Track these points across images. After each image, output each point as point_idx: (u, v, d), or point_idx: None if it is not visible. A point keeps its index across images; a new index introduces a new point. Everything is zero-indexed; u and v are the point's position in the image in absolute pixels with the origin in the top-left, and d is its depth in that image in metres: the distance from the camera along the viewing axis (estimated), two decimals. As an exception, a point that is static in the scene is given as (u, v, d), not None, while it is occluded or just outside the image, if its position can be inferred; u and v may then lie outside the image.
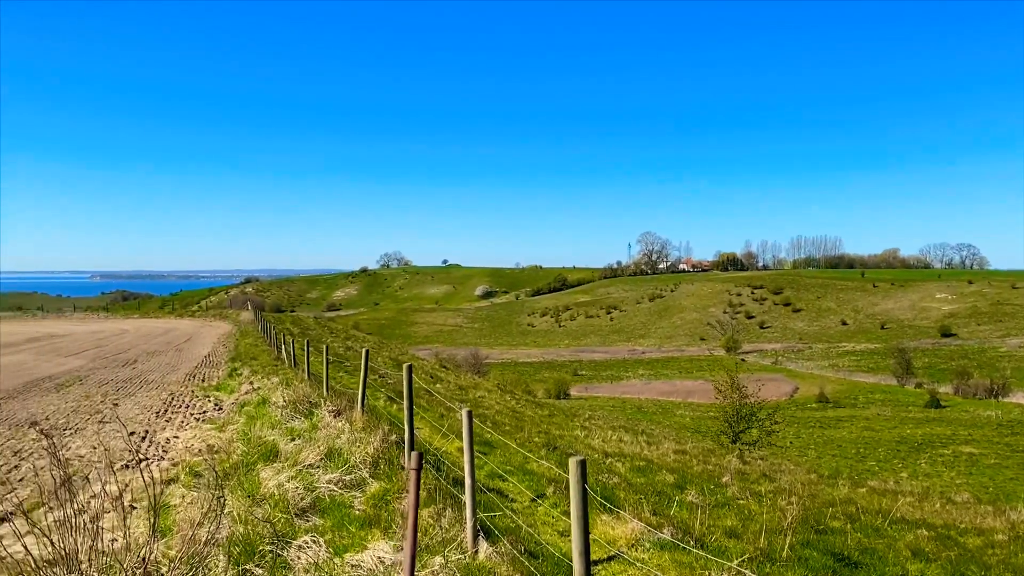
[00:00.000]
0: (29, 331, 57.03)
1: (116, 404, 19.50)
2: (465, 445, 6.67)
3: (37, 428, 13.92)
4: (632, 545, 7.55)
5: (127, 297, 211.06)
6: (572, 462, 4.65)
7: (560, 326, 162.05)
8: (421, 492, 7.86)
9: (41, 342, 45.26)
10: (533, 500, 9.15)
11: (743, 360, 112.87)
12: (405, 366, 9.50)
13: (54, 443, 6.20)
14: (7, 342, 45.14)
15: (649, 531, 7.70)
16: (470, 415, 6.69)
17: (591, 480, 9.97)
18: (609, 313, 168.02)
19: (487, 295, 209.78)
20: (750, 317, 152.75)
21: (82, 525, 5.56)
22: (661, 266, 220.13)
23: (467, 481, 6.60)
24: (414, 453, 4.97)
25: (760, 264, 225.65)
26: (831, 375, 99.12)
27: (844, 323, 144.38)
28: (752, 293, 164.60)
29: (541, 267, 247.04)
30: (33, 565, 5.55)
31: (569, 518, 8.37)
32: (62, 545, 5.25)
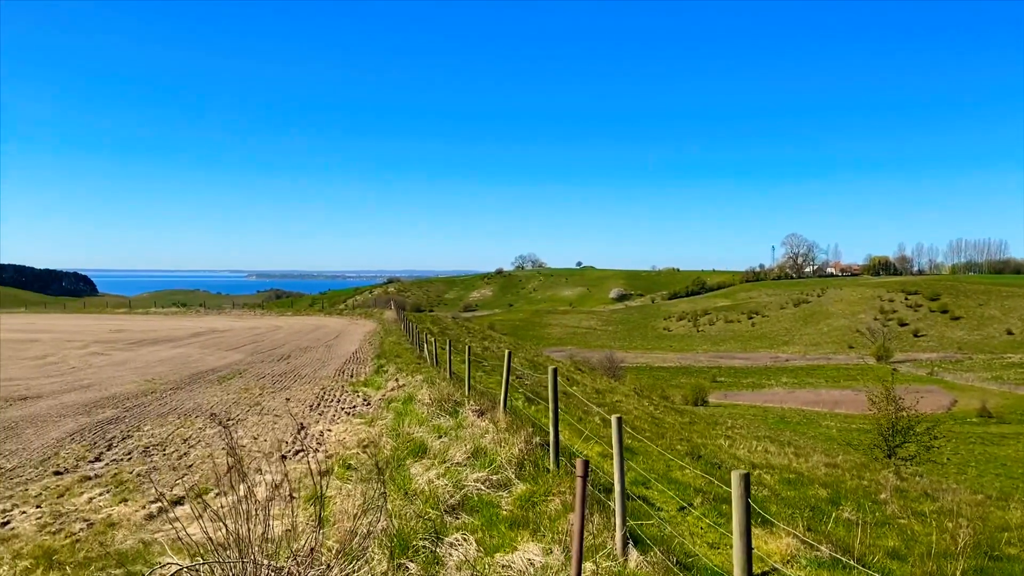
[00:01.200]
0: (193, 326, 61.32)
1: (273, 397, 20.63)
2: (615, 452, 6.61)
3: (216, 420, 14.83)
4: (787, 561, 7.25)
5: (280, 295, 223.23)
6: (735, 475, 4.50)
7: (698, 331, 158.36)
8: (567, 496, 7.87)
9: (204, 337, 48.54)
10: (680, 510, 8.96)
11: (895, 370, 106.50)
12: (550, 369, 9.53)
13: (231, 434, 6.56)
14: (174, 336, 48.73)
15: (805, 547, 7.37)
16: (619, 421, 6.62)
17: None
18: (750, 318, 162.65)
19: (622, 298, 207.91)
20: (903, 324, 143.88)
21: (252, 512, 5.84)
22: (807, 270, 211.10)
23: (616, 488, 6.54)
24: (579, 460, 4.96)
25: (915, 269, 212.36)
26: (994, 388, 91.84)
27: (1010, 332, 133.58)
28: (906, 299, 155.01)
29: (678, 270, 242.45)
30: (210, 547, 5.91)
31: (720, 530, 8.16)
32: (235, 529, 5.55)
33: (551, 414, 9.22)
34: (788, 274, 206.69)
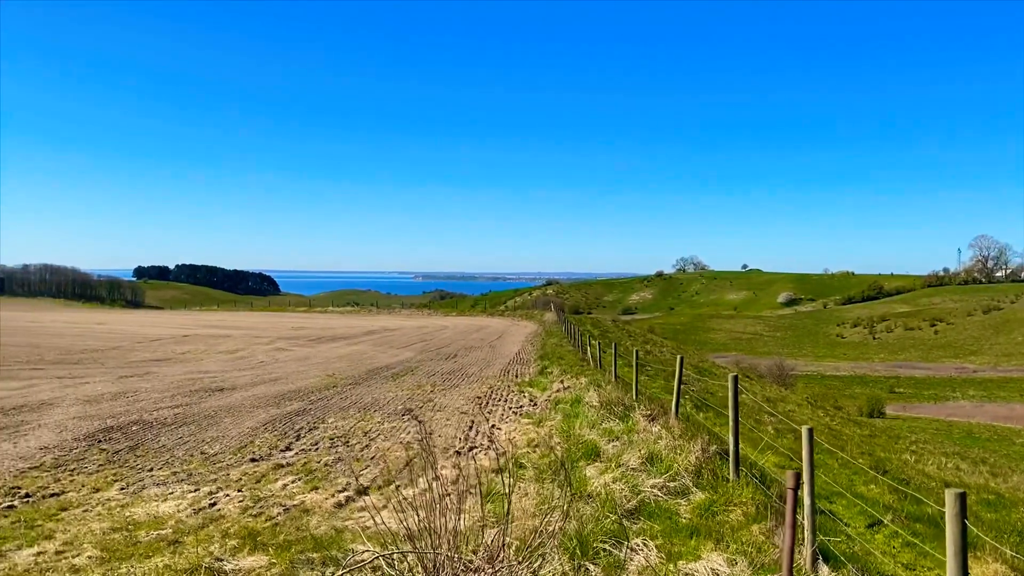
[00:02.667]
0: (366, 324, 64.47)
1: (443, 394, 21.33)
2: (804, 463, 6.34)
3: (411, 416, 15.47)
4: (996, 590, 6.69)
5: (444, 296, 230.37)
6: (949, 494, 4.21)
7: (874, 338, 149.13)
8: (748, 507, 7.62)
9: (376, 335, 50.92)
10: (869, 526, 8.48)
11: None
12: (731, 376, 9.29)
13: (424, 428, 6.82)
14: (349, 334, 51.42)
15: (1016, 575, 6.77)
16: (811, 433, 6.35)
17: (932, 511, 9.02)
18: (933, 326, 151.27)
19: (791, 302, 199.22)
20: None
21: (444, 504, 6.03)
22: (998, 274, 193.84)
23: (806, 501, 6.27)
24: (789, 472, 4.81)
25: None
26: None
27: None
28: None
29: (853, 273, 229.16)
30: (400, 536, 6.17)
31: (915, 550, 7.65)
32: (428, 520, 5.76)
33: (731, 422, 8.97)
34: (976, 279, 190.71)
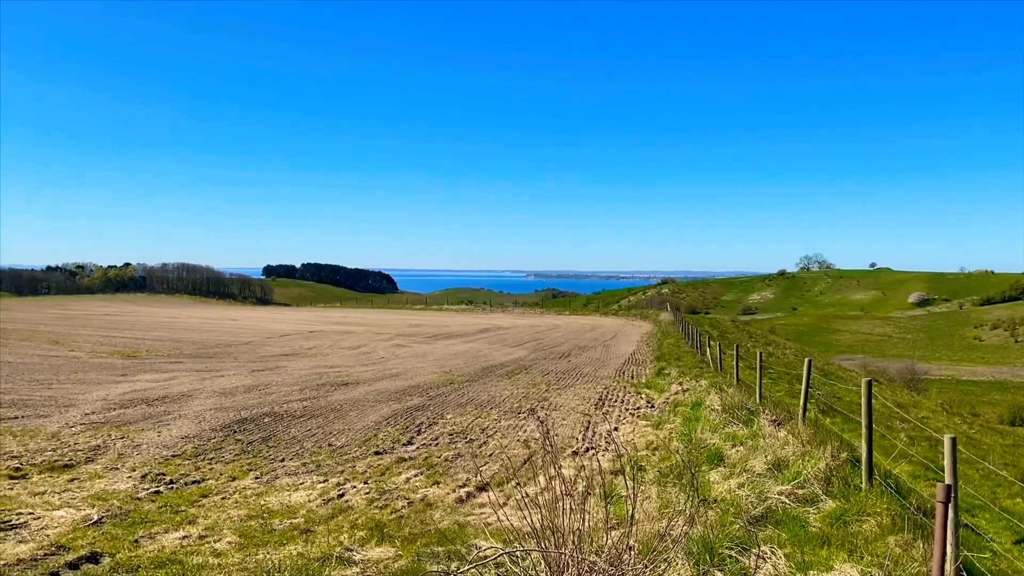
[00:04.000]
0: (480, 322, 65.36)
1: (558, 394, 21.36)
2: (947, 474, 6.00)
3: (535, 417, 15.62)
4: None
5: (556, 294, 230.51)
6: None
7: (1016, 341, 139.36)
8: (883, 517, 7.28)
9: (490, 333, 51.53)
10: (1017, 543, 7.95)
11: None
12: (864, 381, 8.89)
13: (547, 430, 6.86)
14: (464, 331, 52.26)
15: None
16: (954, 442, 6.00)
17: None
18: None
19: (923, 303, 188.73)
20: None
21: (565, 503, 6.03)
22: None
23: (950, 514, 5.91)
24: (940, 485, 4.58)
25: None
26: None
27: None
28: None
29: (992, 272, 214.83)
30: (523, 533, 6.22)
31: (1072, 573, 7.11)
32: (551, 519, 5.78)
33: (864, 428, 8.59)
34: None
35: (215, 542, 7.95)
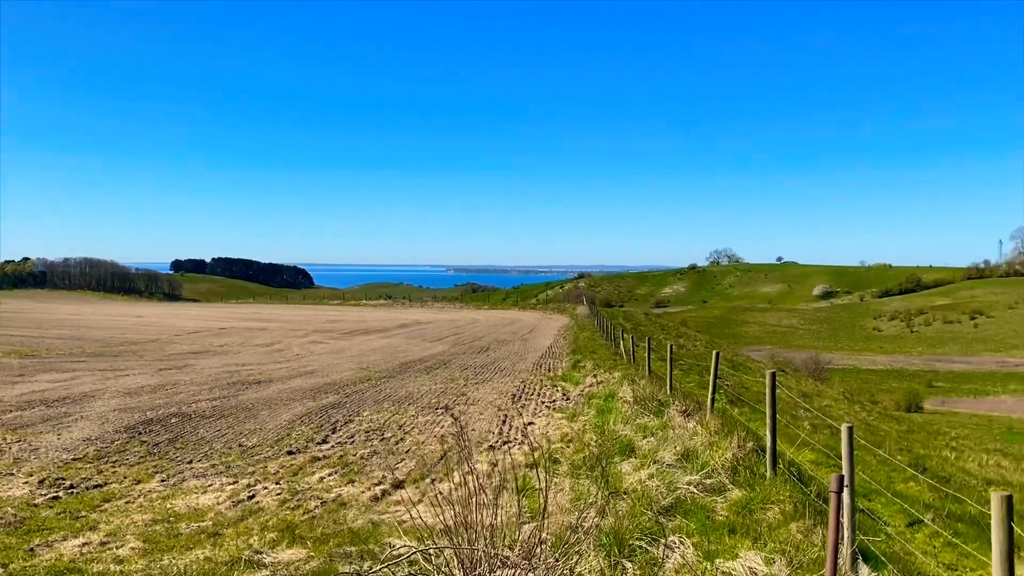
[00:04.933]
0: (399, 317, 64.88)
1: (476, 388, 21.40)
2: (844, 462, 6.27)
3: (448, 412, 15.55)
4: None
5: (475, 289, 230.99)
6: (995, 497, 4.14)
7: (912, 331, 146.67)
8: (786, 505, 7.56)
9: (409, 328, 51.21)
10: (909, 525, 8.36)
11: None
12: (768, 373, 9.21)
13: (462, 427, 6.84)
14: (382, 327, 51.79)
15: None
16: (850, 431, 6.28)
17: (974, 510, 8.87)
18: (973, 319, 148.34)
19: (826, 295, 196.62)
20: None
21: (478, 499, 6.04)
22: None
23: (846, 500, 6.19)
24: (834, 475, 4.75)
25: None
26: None
27: None
28: None
29: (890, 266, 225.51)
30: (436, 531, 6.20)
31: (957, 551, 7.53)
32: (464, 515, 5.79)
33: (768, 419, 8.90)
34: (1018, 271, 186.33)
35: (117, 548, 7.66)
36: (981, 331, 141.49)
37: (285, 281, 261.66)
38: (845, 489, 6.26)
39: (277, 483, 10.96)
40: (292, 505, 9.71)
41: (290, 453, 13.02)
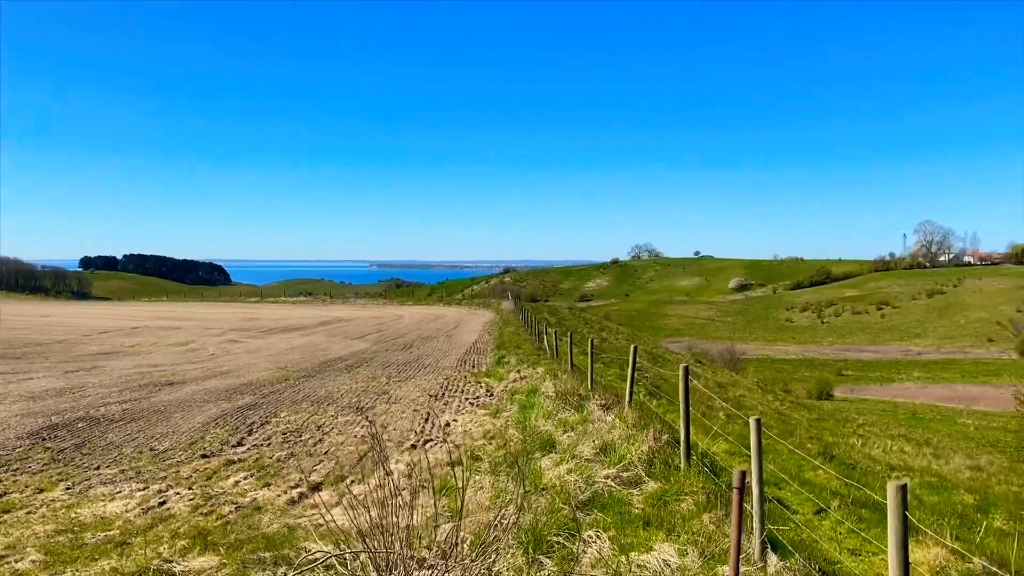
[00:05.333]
0: (320, 315, 63.78)
1: (399, 386, 21.22)
2: (753, 454, 6.45)
3: (360, 412, 15.34)
4: (937, 573, 6.89)
5: (399, 284, 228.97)
6: (891, 487, 4.31)
7: (823, 322, 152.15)
8: (699, 496, 7.74)
9: (330, 325, 50.39)
10: (816, 513, 8.66)
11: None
12: (681, 367, 9.39)
13: (374, 425, 6.76)
14: (302, 324, 50.83)
15: (956, 558, 6.98)
16: (759, 423, 6.45)
17: (878, 497, 9.25)
18: (879, 309, 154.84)
19: (742, 288, 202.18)
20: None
21: (394, 501, 5.99)
22: (942, 259, 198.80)
23: (755, 491, 6.37)
24: (736, 471, 4.87)
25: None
26: None
27: None
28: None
29: (802, 259, 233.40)
30: (354, 534, 6.12)
31: (861, 536, 7.84)
32: (379, 518, 5.72)
33: (682, 412, 9.08)
34: (921, 263, 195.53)
35: (16, 562, 7.32)
36: (887, 321, 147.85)
37: (201, 278, 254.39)
38: (753, 480, 6.45)
39: (190, 488, 10.64)
40: (205, 511, 9.44)
41: (204, 457, 12.67)
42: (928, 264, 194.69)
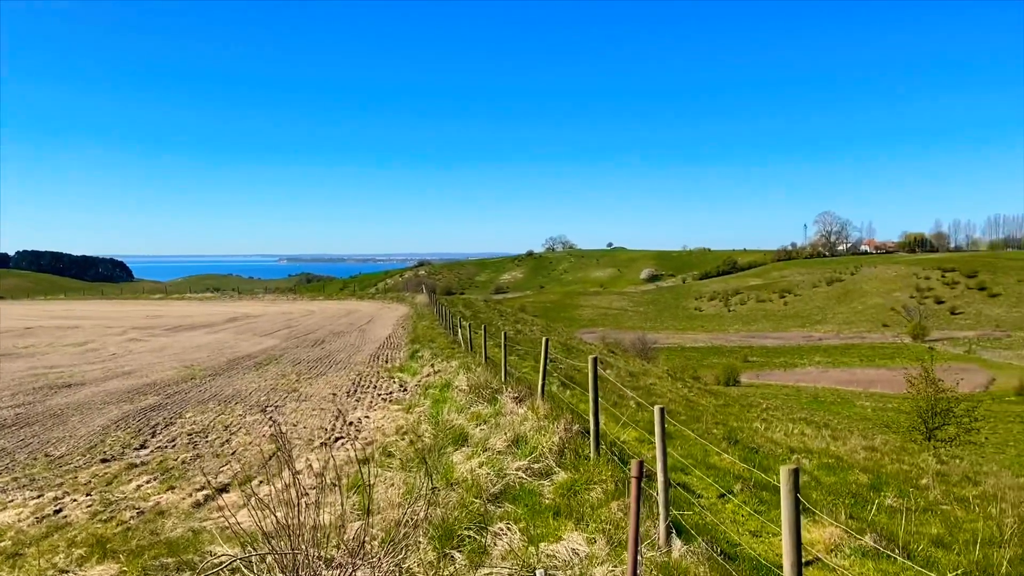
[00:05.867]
0: (227, 311, 62.07)
1: (310, 383, 20.86)
2: (657, 442, 6.61)
3: (261, 409, 15.00)
4: (831, 550, 7.22)
5: (311, 279, 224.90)
6: (783, 471, 4.50)
7: (729, 310, 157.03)
8: (608, 484, 7.89)
9: (239, 322, 49.11)
10: (720, 497, 8.95)
11: (931, 348, 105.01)
12: (589, 358, 9.54)
13: (279, 426, 6.64)
14: (209, 321, 49.38)
15: (849, 536, 7.33)
16: (663, 412, 6.62)
17: (777, 480, 9.62)
18: (782, 297, 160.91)
19: (653, 278, 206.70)
20: (939, 302, 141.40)
21: (300, 501, 5.91)
22: (840, 248, 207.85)
23: (660, 479, 6.54)
24: (635, 461, 4.97)
25: (952, 245, 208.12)
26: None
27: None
28: (942, 276, 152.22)
29: (709, 249, 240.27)
30: (260, 536, 6.01)
31: (762, 518, 8.14)
32: (285, 519, 5.64)
33: (591, 403, 9.23)
34: (821, 252, 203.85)
35: None
36: (790, 308, 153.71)
37: (101, 275, 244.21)
38: (658, 467, 6.62)
39: (88, 494, 10.23)
40: (105, 517, 9.09)
41: (104, 461, 12.19)
42: (828, 253, 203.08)
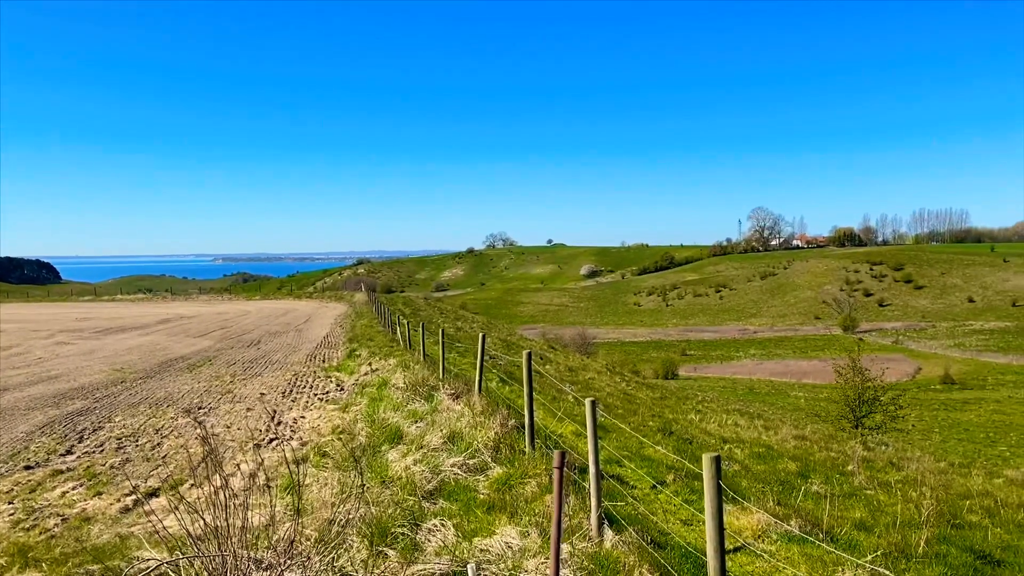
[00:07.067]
0: (160, 312, 60.53)
1: (244, 384, 20.51)
2: (589, 435, 6.70)
3: (187, 412, 14.71)
4: (758, 536, 7.42)
5: (247, 279, 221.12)
6: (706, 458, 4.61)
7: (667, 305, 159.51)
8: (543, 478, 7.97)
9: (171, 323, 47.92)
10: (653, 487, 9.11)
11: (861, 339, 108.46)
12: (524, 353, 9.60)
13: (206, 428, 6.53)
14: (141, 323, 48.08)
15: (776, 523, 7.54)
16: (594, 405, 6.71)
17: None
18: (718, 292, 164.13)
19: (592, 274, 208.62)
20: (868, 295, 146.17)
21: (230, 503, 5.83)
22: (773, 243, 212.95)
23: (591, 470, 6.64)
24: (557, 452, 5.03)
25: (879, 239, 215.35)
26: (957, 355, 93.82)
27: (971, 300, 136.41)
28: (871, 270, 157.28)
29: (647, 245, 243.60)
30: (188, 540, 5.91)
31: (693, 507, 8.32)
32: (213, 522, 5.56)
33: (526, 398, 9.30)
34: (755, 247, 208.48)
35: None
36: (726, 302, 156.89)
37: (26, 276, 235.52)
38: (590, 459, 6.71)
39: (10, 503, 9.89)
40: (27, 525, 8.82)
41: (28, 468, 11.79)
42: (761, 248, 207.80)
